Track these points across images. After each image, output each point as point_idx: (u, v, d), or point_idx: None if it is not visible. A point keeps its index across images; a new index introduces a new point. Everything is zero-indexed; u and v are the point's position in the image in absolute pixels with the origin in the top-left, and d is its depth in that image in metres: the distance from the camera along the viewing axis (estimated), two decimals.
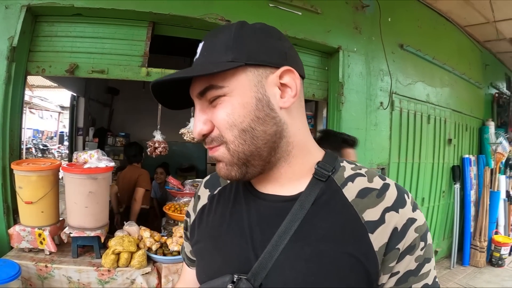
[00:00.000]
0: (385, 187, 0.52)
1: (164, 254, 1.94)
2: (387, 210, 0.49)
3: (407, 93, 3.24)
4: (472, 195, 4.29)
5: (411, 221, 0.49)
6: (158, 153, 2.63)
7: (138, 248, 1.91)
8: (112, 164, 2.13)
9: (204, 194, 0.68)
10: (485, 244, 4.18)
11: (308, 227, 0.51)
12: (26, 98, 8.68)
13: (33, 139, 11.22)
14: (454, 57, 3.89)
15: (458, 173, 4.06)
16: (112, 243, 1.85)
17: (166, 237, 2.09)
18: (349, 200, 0.52)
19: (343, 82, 2.73)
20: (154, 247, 1.96)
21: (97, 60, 2.23)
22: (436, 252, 3.97)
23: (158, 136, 2.63)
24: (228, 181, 0.65)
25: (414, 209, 0.51)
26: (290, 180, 0.56)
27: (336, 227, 0.50)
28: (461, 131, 4.20)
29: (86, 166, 1.96)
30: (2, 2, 2.04)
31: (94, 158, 2.10)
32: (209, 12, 2.26)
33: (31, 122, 11.02)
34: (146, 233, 2.04)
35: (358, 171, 0.55)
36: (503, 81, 5.48)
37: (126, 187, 3.06)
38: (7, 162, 1.96)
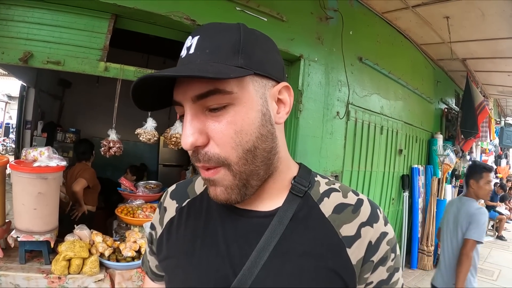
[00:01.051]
0: (360, 202, 0.54)
1: (118, 260, 1.86)
2: (362, 225, 0.51)
3: (363, 104, 3.37)
4: (420, 202, 4.55)
5: (384, 234, 0.52)
6: (113, 153, 2.49)
7: (90, 253, 1.81)
8: (64, 163, 2.00)
9: (171, 206, 0.64)
10: (432, 248, 4.46)
11: (287, 243, 0.50)
12: None
13: None
14: (408, 72, 4.11)
15: (407, 181, 4.28)
16: (62, 248, 1.73)
17: (119, 242, 2.01)
18: (326, 215, 0.52)
19: (302, 90, 2.78)
20: (106, 253, 1.87)
21: (53, 50, 2.07)
22: None
23: (113, 135, 2.49)
24: (198, 193, 0.63)
25: (385, 223, 0.54)
26: (269, 195, 0.55)
27: (315, 242, 0.50)
28: (411, 143, 4.42)
29: (35, 164, 1.81)
30: None
31: (45, 156, 1.96)
32: (175, 10, 2.20)
33: None
34: (98, 237, 1.94)
35: (332, 186, 0.57)
36: (452, 97, 5.88)
37: None
38: None
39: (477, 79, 5.58)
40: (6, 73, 4.51)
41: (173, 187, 0.68)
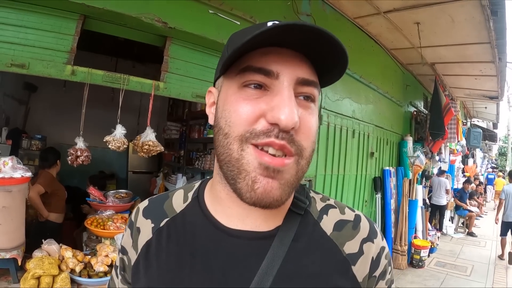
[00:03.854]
0: (358, 218, 0.53)
1: (89, 276, 1.77)
2: (364, 241, 0.51)
3: (335, 109, 3.39)
4: (392, 203, 4.66)
5: (382, 249, 0.52)
6: (80, 162, 2.34)
7: (60, 270, 1.70)
8: (29, 174, 1.89)
9: (146, 226, 0.55)
10: (406, 248, 4.59)
11: (292, 265, 0.47)
12: None
13: None
14: (379, 77, 4.20)
15: (379, 183, 4.37)
16: (30, 265, 1.63)
17: (89, 256, 1.90)
18: (328, 233, 0.51)
19: None
20: (77, 268, 1.77)
21: (18, 52, 1.93)
22: None
23: (80, 143, 2.34)
24: (177, 210, 0.54)
25: (382, 237, 0.54)
26: (267, 213, 0.49)
27: (320, 263, 0.48)
28: (383, 145, 4.51)
29: None
30: None
31: (8, 167, 1.82)
32: (146, 11, 2.11)
33: None
34: (68, 252, 1.82)
35: (328, 202, 0.55)
36: (421, 100, 6.09)
37: None
38: None
39: (445, 83, 5.80)
40: None
41: (145, 203, 0.59)
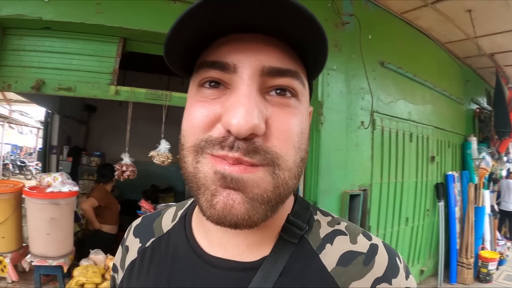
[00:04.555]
0: (373, 249, 0.41)
1: None
2: (377, 281, 0.39)
3: (389, 112, 3.19)
4: (457, 211, 4.28)
5: None
6: (126, 176, 2.48)
7: (104, 278, 1.80)
8: (76, 188, 2.06)
9: (133, 246, 0.51)
10: (472, 260, 4.16)
11: None
12: (5, 112, 8.38)
13: (11, 155, 10.80)
14: (435, 74, 3.90)
15: (442, 190, 4.04)
16: (75, 273, 1.77)
17: None
18: (329, 269, 0.40)
19: (323, 101, 2.65)
20: None
21: (64, 77, 2.14)
22: (422, 271, 3.91)
23: (126, 158, 2.48)
24: (164, 230, 0.49)
25: (407, 276, 0.41)
26: (256, 239, 0.41)
27: None
28: (444, 148, 4.19)
29: (48, 190, 1.87)
30: None
31: (58, 182, 2.02)
32: None
33: (10, 137, 10.62)
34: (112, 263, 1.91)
35: (337, 226, 0.44)
36: (483, 96, 5.58)
37: None
38: None
39: (507, 74, 5.24)
40: (29, 101, 4.71)
41: (138, 221, 0.55)
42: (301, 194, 2.84)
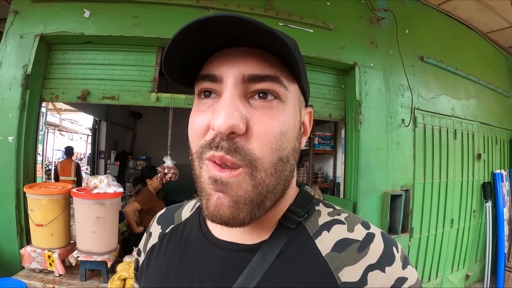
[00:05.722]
0: (369, 238, 0.42)
1: None
2: (370, 268, 0.40)
3: (430, 108, 3.06)
4: (506, 213, 4.00)
5: (401, 281, 0.40)
6: (168, 179, 2.58)
7: None
8: (121, 190, 2.16)
9: (156, 232, 0.57)
10: None
11: (269, 286, 0.41)
12: (56, 121, 8.93)
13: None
14: (478, 66, 3.69)
15: (489, 190, 3.80)
16: (118, 268, 1.86)
17: None
18: (323, 254, 0.42)
19: (361, 100, 2.59)
20: None
21: (108, 87, 2.28)
22: (467, 276, 3.69)
23: (168, 161, 2.58)
24: (183, 219, 0.55)
25: (404, 265, 0.41)
26: (258, 225, 0.45)
27: None
28: (491, 145, 3.94)
29: (95, 191, 1.99)
30: (16, 32, 2.16)
31: (104, 184, 2.14)
32: None
33: (60, 144, 11.32)
34: None
35: (337, 216, 0.46)
36: None
37: None
38: (21, 185, 2.06)
39: None
40: (76, 110, 4.99)
41: (162, 211, 0.61)
42: (341, 195, 2.79)
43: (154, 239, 0.56)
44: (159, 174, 2.60)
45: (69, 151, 4.83)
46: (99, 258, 1.91)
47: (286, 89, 0.40)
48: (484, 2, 3.17)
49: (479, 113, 3.67)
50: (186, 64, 0.41)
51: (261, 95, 0.39)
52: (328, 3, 2.64)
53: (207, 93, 0.41)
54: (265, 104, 0.39)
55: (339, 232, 0.43)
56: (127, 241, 2.71)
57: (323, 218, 0.46)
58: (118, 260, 2.04)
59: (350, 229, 0.44)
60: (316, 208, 0.47)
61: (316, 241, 0.43)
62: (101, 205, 1.94)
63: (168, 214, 0.59)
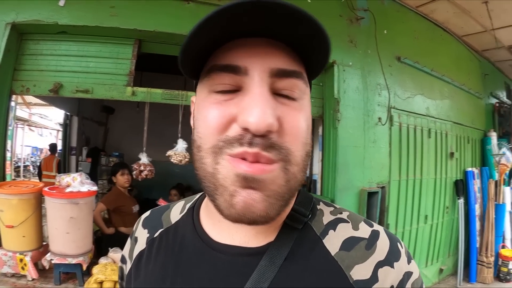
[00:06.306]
0: (375, 235, 0.43)
1: None
2: (380, 265, 0.41)
3: (406, 107, 3.14)
4: (477, 209, 4.18)
5: (408, 275, 0.42)
6: (144, 176, 2.50)
7: None
8: (95, 188, 2.09)
9: (142, 237, 0.53)
10: (492, 259, 4.06)
11: None
12: (25, 115, 8.56)
13: (31, 157, 11.07)
14: (452, 68, 3.81)
15: (461, 187, 3.94)
16: (94, 271, 1.80)
17: None
18: (332, 253, 0.42)
19: (339, 98, 2.62)
20: None
21: (81, 79, 2.18)
22: (441, 270, 3.83)
23: (144, 158, 2.50)
24: (173, 221, 0.52)
25: (409, 260, 0.44)
26: (263, 227, 0.43)
27: None
28: (463, 144, 4.09)
29: (68, 190, 1.92)
30: None
31: (77, 182, 2.06)
32: None
33: (30, 140, 10.88)
34: None
35: (339, 215, 0.46)
36: (503, 90, 5.41)
37: None
38: None
39: None
40: (48, 104, 4.83)
41: (147, 213, 0.57)
42: (318, 191, 2.82)
43: (141, 245, 0.52)
44: (134, 172, 2.53)
45: (53, 148, 5.17)
46: (73, 261, 1.84)
47: (306, 86, 0.40)
48: (461, 6, 3.28)
49: (453, 113, 3.80)
50: (199, 52, 0.38)
51: (286, 91, 0.38)
52: (309, 1, 2.65)
53: (226, 86, 0.38)
54: (291, 99, 0.38)
55: (345, 231, 0.44)
56: (99, 241, 2.62)
57: (327, 217, 0.46)
58: (94, 262, 1.97)
59: (355, 227, 0.44)
60: (318, 207, 0.47)
61: (324, 240, 0.43)
62: (75, 205, 1.87)
63: (154, 216, 0.55)
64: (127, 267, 0.54)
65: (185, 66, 0.40)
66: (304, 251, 0.42)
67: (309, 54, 0.38)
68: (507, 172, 4.51)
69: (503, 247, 4.28)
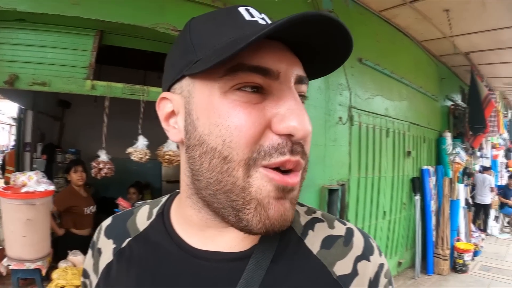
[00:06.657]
0: (350, 232, 0.46)
1: None
2: (358, 259, 0.43)
3: (366, 107, 3.25)
4: (433, 205, 4.40)
5: (381, 267, 0.45)
6: (104, 174, 2.40)
7: None
8: (52, 187, 1.96)
9: (107, 247, 0.49)
10: (448, 252, 4.29)
11: None
12: None
13: None
14: (411, 71, 3.99)
15: (418, 184, 4.14)
16: (54, 276, 1.71)
17: None
18: (314, 252, 0.43)
19: None
20: None
21: (38, 71, 2.03)
22: (400, 263, 4.02)
23: (103, 156, 2.39)
24: (141, 229, 0.48)
25: (380, 253, 0.46)
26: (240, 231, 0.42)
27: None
28: (420, 143, 4.29)
29: (23, 190, 1.78)
30: None
31: (33, 181, 1.92)
32: (160, 21, 2.11)
33: None
34: None
35: (314, 215, 0.47)
36: (458, 93, 5.75)
37: None
38: None
39: (482, 73, 5.43)
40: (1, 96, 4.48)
41: (108, 221, 0.53)
42: None
43: (107, 257, 0.48)
44: (93, 170, 2.42)
45: None
46: (32, 266, 1.72)
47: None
48: (423, 13, 3.43)
49: (410, 114, 3.98)
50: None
51: (300, 96, 0.38)
52: (276, 0, 2.67)
53: (254, 89, 0.35)
54: (303, 105, 0.38)
55: (322, 230, 0.45)
56: (55, 243, 2.48)
57: (304, 218, 0.46)
58: (53, 266, 1.85)
59: (331, 226, 0.46)
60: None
61: (305, 241, 0.44)
62: (31, 206, 1.75)
63: (118, 224, 0.51)
64: (93, 281, 0.49)
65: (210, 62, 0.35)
66: (289, 252, 0.42)
67: (312, 68, 0.40)
68: (461, 170, 4.82)
69: (458, 240, 4.57)
